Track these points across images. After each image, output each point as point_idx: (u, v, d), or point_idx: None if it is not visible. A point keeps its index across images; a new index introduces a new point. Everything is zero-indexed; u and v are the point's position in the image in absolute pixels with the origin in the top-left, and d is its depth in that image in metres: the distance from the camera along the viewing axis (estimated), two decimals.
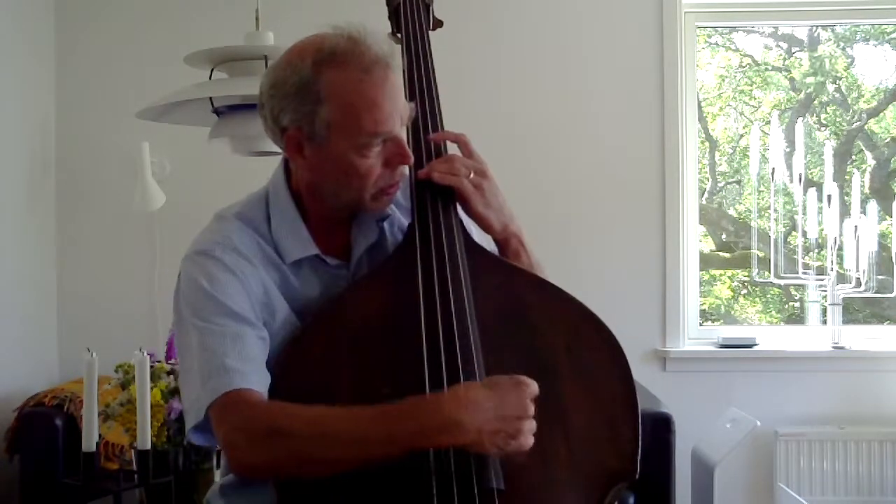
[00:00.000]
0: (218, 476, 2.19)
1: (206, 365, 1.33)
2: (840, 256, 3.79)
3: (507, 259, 1.51)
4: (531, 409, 1.24)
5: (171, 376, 2.34)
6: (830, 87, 4.37)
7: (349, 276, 1.49)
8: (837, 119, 4.48)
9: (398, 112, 1.40)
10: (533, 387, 1.25)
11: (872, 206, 3.85)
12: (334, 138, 1.39)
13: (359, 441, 1.24)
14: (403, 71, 1.54)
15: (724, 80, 4.51)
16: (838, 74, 4.37)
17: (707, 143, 4.46)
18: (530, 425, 1.24)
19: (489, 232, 1.49)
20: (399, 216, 1.55)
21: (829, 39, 4.37)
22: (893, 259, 3.83)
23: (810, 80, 4.34)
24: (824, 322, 3.87)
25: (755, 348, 3.75)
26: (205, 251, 1.43)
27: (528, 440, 1.24)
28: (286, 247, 1.45)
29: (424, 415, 1.23)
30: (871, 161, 4.40)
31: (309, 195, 1.48)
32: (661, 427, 2.79)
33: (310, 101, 1.38)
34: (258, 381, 1.33)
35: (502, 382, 1.25)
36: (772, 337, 3.86)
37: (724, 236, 4.53)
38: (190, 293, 1.40)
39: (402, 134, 1.43)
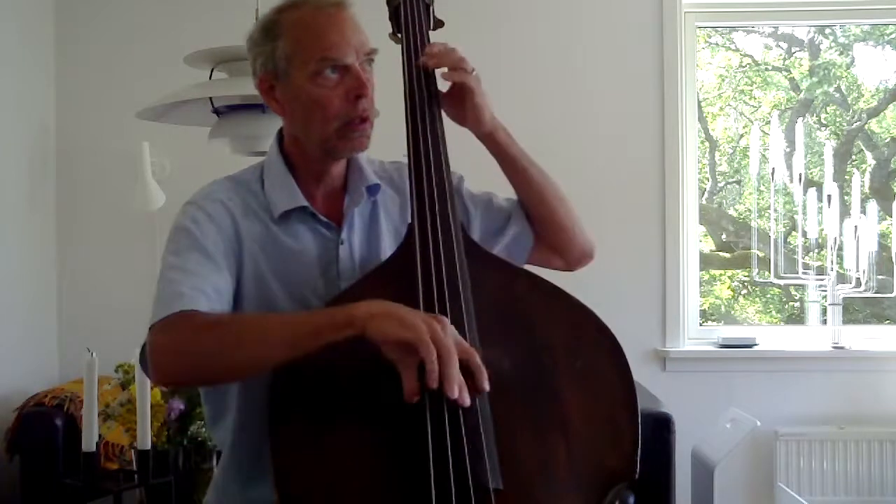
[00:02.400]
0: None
1: (161, 294, 1.40)
2: (840, 256, 3.79)
3: (510, 170, 1.57)
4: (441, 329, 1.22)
5: None
6: (830, 88, 4.37)
7: (338, 240, 1.53)
8: (837, 119, 4.48)
9: (351, 45, 1.47)
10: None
11: (872, 206, 3.85)
12: (292, 71, 1.48)
13: (272, 326, 1.31)
14: (404, 71, 1.56)
15: (724, 80, 4.51)
16: (838, 75, 4.37)
17: (707, 143, 4.46)
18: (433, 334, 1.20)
19: (481, 125, 1.54)
20: (392, 193, 1.60)
21: (831, 47, 4.37)
22: (893, 259, 3.83)
23: (814, 87, 4.34)
24: (824, 322, 3.87)
25: (755, 348, 3.76)
26: (191, 201, 1.53)
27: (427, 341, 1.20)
28: (275, 200, 1.53)
29: (328, 311, 1.31)
30: (871, 161, 4.41)
31: (295, 149, 1.56)
32: (661, 427, 2.79)
33: (270, 39, 1.50)
34: (206, 305, 1.38)
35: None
36: (772, 337, 3.86)
37: (724, 236, 4.53)
38: (172, 233, 1.50)
39: (364, 71, 1.48)
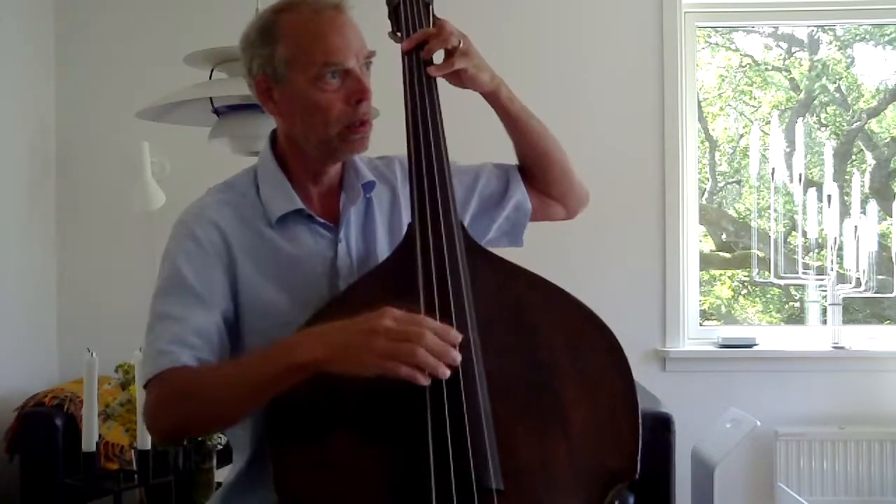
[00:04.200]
0: (218, 476, 2.20)
1: (147, 349, 1.44)
2: (840, 256, 3.79)
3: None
4: (388, 322, 1.23)
5: None
6: (830, 87, 4.37)
7: (336, 240, 1.53)
8: (837, 119, 4.48)
9: (352, 49, 1.47)
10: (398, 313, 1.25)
11: (872, 206, 3.85)
12: (292, 75, 1.47)
13: (235, 383, 1.34)
14: (403, 71, 1.55)
15: (724, 80, 4.51)
16: (838, 75, 4.37)
17: (707, 143, 4.46)
18: (385, 342, 1.22)
19: (482, 88, 1.57)
20: (382, 188, 1.60)
21: (831, 43, 4.37)
22: (893, 259, 3.83)
23: (812, 83, 4.34)
24: (824, 322, 3.87)
25: (755, 348, 3.76)
26: (182, 221, 1.52)
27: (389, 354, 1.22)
28: (272, 204, 1.52)
29: (277, 359, 1.29)
30: (871, 161, 4.40)
31: (291, 150, 1.55)
32: (661, 427, 2.79)
33: (269, 42, 1.49)
34: (190, 357, 1.40)
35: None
36: (772, 337, 3.86)
37: (724, 236, 4.53)
38: (162, 265, 1.51)
39: (364, 74, 1.49)
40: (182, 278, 1.45)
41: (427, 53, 1.54)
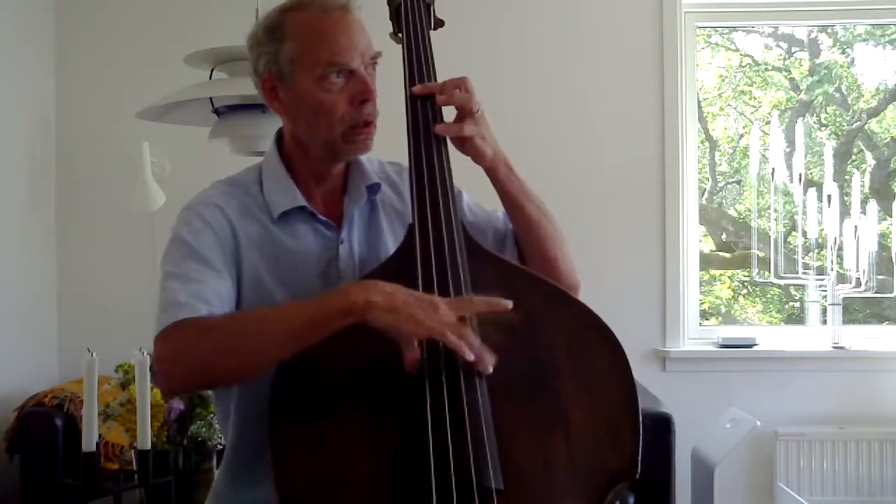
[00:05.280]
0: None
1: (162, 304, 1.41)
2: (840, 256, 3.79)
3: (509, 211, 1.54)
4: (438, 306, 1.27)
5: None
6: (830, 88, 4.37)
7: (338, 239, 1.53)
8: (837, 119, 4.48)
9: (357, 50, 1.47)
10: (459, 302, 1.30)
11: (872, 206, 3.85)
12: (297, 73, 1.48)
13: (271, 322, 1.34)
14: (404, 70, 1.56)
15: (724, 80, 4.51)
16: (839, 74, 4.37)
17: (707, 143, 4.46)
18: (430, 312, 1.26)
19: (481, 160, 1.50)
20: (391, 194, 1.60)
21: (832, 47, 4.37)
22: (893, 259, 3.83)
23: (814, 87, 4.34)
24: (824, 322, 3.87)
25: (755, 348, 3.76)
26: (188, 206, 1.53)
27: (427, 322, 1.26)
28: (274, 201, 1.53)
29: (324, 300, 1.31)
30: (871, 161, 4.41)
31: (295, 150, 1.56)
32: (661, 427, 2.79)
33: (275, 40, 1.49)
34: (207, 310, 1.39)
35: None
36: (772, 337, 3.86)
37: (724, 236, 4.53)
38: (170, 243, 1.50)
39: (369, 75, 1.49)
40: (193, 250, 1.45)
41: (446, 102, 1.50)
